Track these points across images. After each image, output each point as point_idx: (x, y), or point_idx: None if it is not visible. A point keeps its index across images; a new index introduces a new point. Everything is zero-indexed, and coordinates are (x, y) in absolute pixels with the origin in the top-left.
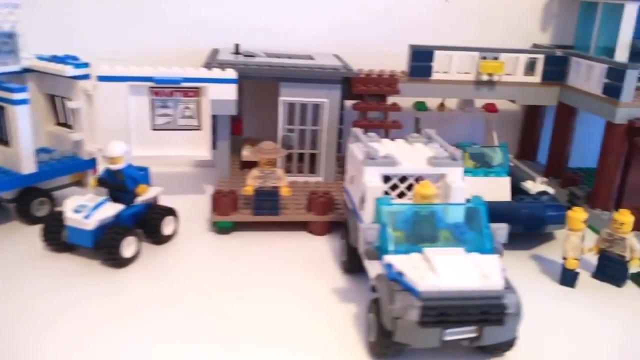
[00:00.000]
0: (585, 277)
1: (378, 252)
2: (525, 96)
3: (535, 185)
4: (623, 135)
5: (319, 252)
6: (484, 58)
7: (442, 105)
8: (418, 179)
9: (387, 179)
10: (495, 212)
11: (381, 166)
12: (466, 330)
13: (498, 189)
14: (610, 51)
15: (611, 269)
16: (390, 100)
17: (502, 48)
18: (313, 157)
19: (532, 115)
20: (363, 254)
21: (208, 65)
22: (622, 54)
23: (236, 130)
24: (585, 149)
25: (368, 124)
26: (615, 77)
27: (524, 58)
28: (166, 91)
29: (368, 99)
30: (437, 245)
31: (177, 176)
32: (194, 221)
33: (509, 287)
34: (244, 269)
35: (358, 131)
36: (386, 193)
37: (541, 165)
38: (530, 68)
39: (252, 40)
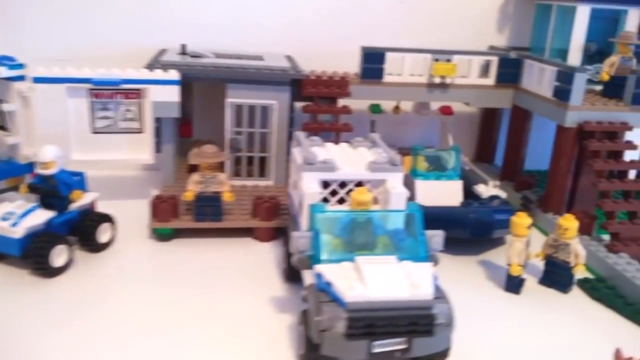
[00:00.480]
0: (532, 283)
1: (310, 261)
2: (479, 99)
3: (487, 189)
4: (573, 139)
5: (262, 259)
6: (437, 60)
7: (397, 108)
8: (359, 184)
9: (326, 184)
10: (442, 217)
11: (319, 171)
12: (395, 342)
13: (450, 192)
14: (564, 53)
15: (557, 275)
16: (342, 102)
17: (455, 50)
18: (263, 160)
19: (489, 117)
20: (294, 263)
21: (150, 66)
22: (575, 57)
23: (185, 133)
24: (543, 152)
25: (318, 126)
26: (565, 80)
27: (477, 60)
28: (106, 93)
29: (318, 101)
30: (376, 252)
31: (121, 181)
32: (134, 228)
33: (440, 297)
34: (183, 277)
35: (301, 135)
36: (325, 199)
37: (498, 168)
38: (484, 70)
39: (204, 41)
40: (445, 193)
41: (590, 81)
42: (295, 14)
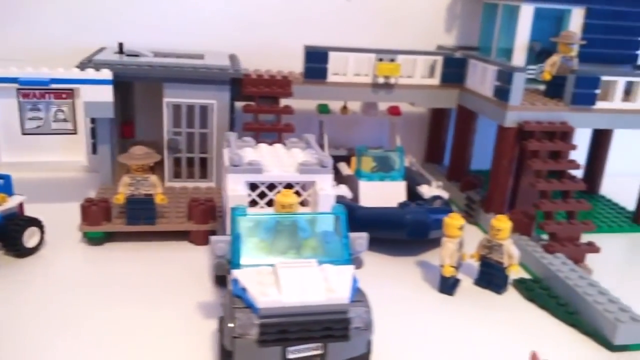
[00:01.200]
0: (468, 284)
1: (229, 266)
2: (424, 99)
3: (430, 190)
4: (513, 139)
5: (195, 263)
6: (381, 60)
7: (345, 108)
8: (289, 186)
9: (255, 186)
10: (379, 218)
11: (245, 173)
12: (310, 348)
13: (394, 193)
14: (510, 53)
15: (491, 276)
16: (286, 102)
17: (399, 50)
18: (204, 161)
19: (437, 118)
20: (213, 268)
21: (81, 66)
22: (519, 56)
23: (127, 133)
24: (489, 152)
25: (259, 127)
26: (505, 79)
27: (421, 60)
28: (37, 93)
29: (260, 101)
30: (299, 256)
31: (58, 183)
32: (66, 232)
33: (359, 300)
34: (111, 282)
35: (231, 135)
36: (254, 202)
37: (446, 168)
38: (432, 70)
39: (149, 40)
40: (389, 194)
41: (535, 81)
42: (242, 13)
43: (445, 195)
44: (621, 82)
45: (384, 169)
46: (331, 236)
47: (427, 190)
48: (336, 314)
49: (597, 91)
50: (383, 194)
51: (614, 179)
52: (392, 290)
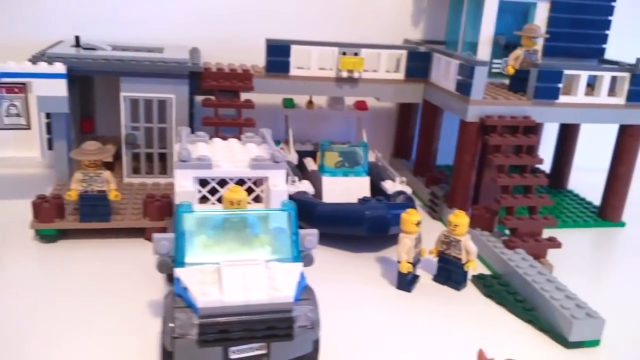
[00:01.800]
0: (428, 280)
1: (173, 264)
2: (389, 94)
3: (394, 185)
4: (476, 134)
5: (149, 261)
6: (344, 54)
7: (310, 103)
8: (241, 182)
9: (206, 182)
10: (339, 214)
11: (194, 169)
12: (253, 347)
13: (357, 189)
14: (476, 46)
15: (450, 272)
16: (250, 96)
17: (363, 43)
18: (163, 156)
19: (405, 112)
20: (156, 267)
21: (34, 59)
22: (484, 50)
23: (86, 129)
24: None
25: (218, 121)
26: (466, 73)
27: (385, 54)
28: None
29: (220, 95)
30: (247, 254)
31: (11, 180)
32: (18, 229)
33: (306, 299)
34: (63, 280)
35: (183, 130)
36: (204, 198)
37: (413, 163)
38: (396, 65)
39: (109, 33)
40: (352, 190)
41: (501, 75)
42: (206, 6)
43: (408, 190)
44: (584, 76)
45: (348, 164)
46: (281, 233)
47: (390, 186)
48: (279, 313)
49: (560, 85)
50: (346, 189)
51: (582, 174)
52: (350, 286)
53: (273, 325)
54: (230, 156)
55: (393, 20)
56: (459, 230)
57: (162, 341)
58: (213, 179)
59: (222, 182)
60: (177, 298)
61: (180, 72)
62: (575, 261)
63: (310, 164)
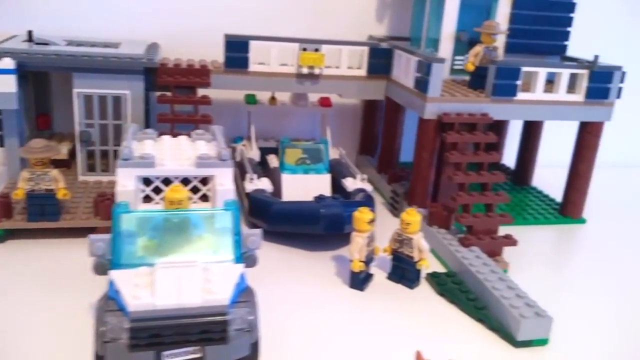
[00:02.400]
0: (381, 279)
1: (109, 266)
2: (351, 90)
3: (354, 182)
4: (434, 131)
5: None
6: (304, 50)
7: (273, 99)
8: (186, 181)
9: (149, 181)
10: (295, 213)
11: (136, 167)
12: (187, 352)
13: (318, 186)
14: (438, 43)
15: (403, 270)
16: (213, 93)
17: (323, 39)
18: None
19: (370, 109)
20: (92, 269)
21: None
22: (446, 46)
23: (42, 125)
24: None
25: (174, 118)
26: (424, 70)
27: (347, 50)
28: None
29: (176, 91)
30: (187, 255)
31: None
32: None
33: (245, 301)
34: (9, 281)
35: (131, 127)
36: (147, 197)
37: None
38: (360, 61)
39: (67, 28)
40: (313, 187)
41: (463, 71)
42: (168, 1)
43: (369, 188)
44: (542, 73)
45: (310, 162)
46: (223, 234)
47: (350, 183)
48: (213, 317)
49: (518, 82)
50: (307, 187)
51: (546, 170)
52: (303, 286)
53: (207, 328)
54: (176, 154)
55: (358, 17)
56: (411, 229)
57: (94, 345)
58: (157, 178)
59: (168, 181)
60: (110, 301)
61: (135, 68)
62: (532, 258)
63: (273, 161)
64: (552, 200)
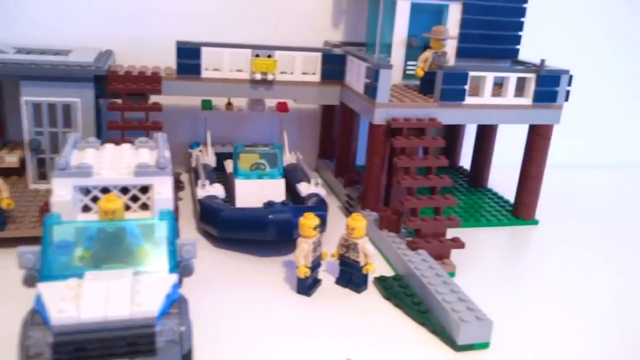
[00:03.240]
0: (330, 284)
1: (38, 278)
2: (306, 96)
3: (308, 187)
4: (384, 136)
5: None
6: (257, 56)
7: (229, 104)
8: (124, 190)
9: (88, 191)
10: (242, 219)
11: (72, 177)
12: None
13: (272, 192)
14: (391, 48)
15: (351, 275)
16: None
17: (276, 45)
18: None
19: (328, 114)
20: (22, 281)
21: None
22: (398, 52)
23: None
24: None
25: (124, 125)
26: (372, 76)
27: (300, 56)
28: None
29: (128, 98)
30: (119, 266)
31: None
32: None
33: (175, 312)
34: None
35: (71, 136)
36: (86, 207)
37: None
38: (314, 67)
39: (18, 36)
40: (267, 193)
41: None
42: (123, 7)
43: (322, 193)
44: (490, 77)
45: (266, 167)
46: (158, 244)
47: (305, 188)
48: (140, 329)
49: (466, 87)
50: (261, 192)
51: (503, 172)
52: (251, 292)
53: (134, 341)
54: (116, 163)
55: (314, 22)
56: (356, 234)
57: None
58: (95, 187)
59: (107, 191)
60: (36, 315)
61: (84, 76)
62: (482, 261)
63: (230, 167)
64: (506, 201)
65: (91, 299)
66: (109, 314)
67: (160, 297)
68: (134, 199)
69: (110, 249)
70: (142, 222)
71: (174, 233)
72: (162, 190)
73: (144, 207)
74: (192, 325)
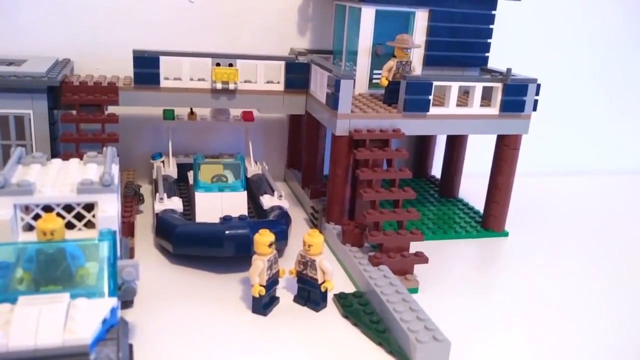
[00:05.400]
0: (288, 302)
1: None
2: (269, 106)
3: (272, 200)
4: (347, 147)
5: None
6: (218, 65)
7: (192, 114)
8: (68, 207)
9: (29, 209)
10: (198, 235)
11: (12, 195)
12: None
13: (234, 205)
14: (356, 56)
15: (308, 292)
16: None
17: (237, 54)
18: None
19: (295, 123)
20: None
21: None
22: (363, 60)
23: None
24: None
25: (78, 137)
26: (334, 86)
27: (262, 65)
28: None
29: (83, 109)
30: (63, 289)
31: None
32: None
33: (112, 338)
34: None
35: (17, 151)
36: (30, 226)
37: None
38: (277, 76)
39: None
40: (228, 206)
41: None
42: (82, 16)
43: (285, 205)
44: (455, 87)
45: (228, 178)
46: (99, 265)
47: (268, 201)
48: (74, 357)
49: (430, 97)
50: (222, 206)
51: (474, 181)
52: (204, 310)
53: None
54: (61, 179)
55: (279, 29)
56: (313, 250)
57: None
58: (37, 206)
59: (51, 209)
60: None
61: (36, 87)
62: (447, 276)
63: (192, 179)
64: (476, 212)
65: (21, 326)
66: (38, 343)
67: (96, 323)
68: (80, 217)
69: (49, 270)
70: (82, 243)
71: (115, 254)
72: (107, 207)
73: (90, 224)
74: (134, 349)
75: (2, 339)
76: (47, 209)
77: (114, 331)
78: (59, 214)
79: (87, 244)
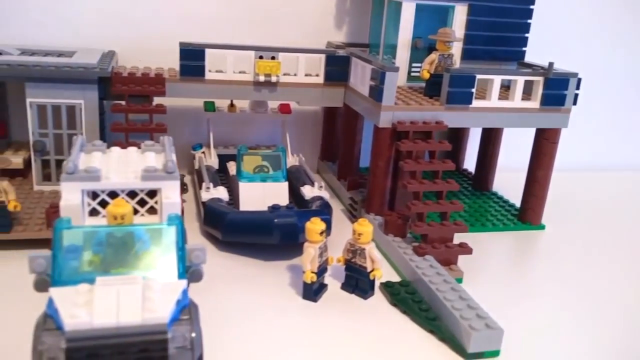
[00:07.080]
0: (336, 289)
1: (49, 283)
2: (309, 98)
3: (312, 190)
4: (389, 139)
5: None
6: (261, 57)
7: (232, 106)
8: (132, 194)
9: (95, 195)
10: (247, 223)
11: (80, 181)
12: None
13: (276, 195)
14: (395, 50)
15: (357, 280)
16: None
17: (280, 47)
18: None
19: (330, 116)
20: (33, 286)
21: None
22: (403, 53)
23: None
24: None
25: (128, 127)
26: (378, 78)
27: (303, 58)
28: None
29: (131, 100)
30: (134, 271)
31: None
32: None
33: (186, 318)
34: None
35: (78, 139)
36: (94, 211)
37: None
38: (317, 68)
39: (24, 37)
40: (271, 196)
41: (421, 78)
42: (126, 8)
43: (326, 196)
44: (497, 80)
45: (269, 169)
46: (167, 249)
47: (308, 191)
48: (153, 335)
49: (473, 90)
50: (264, 195)
51: (509, 175)
52: (256, 297)
53: (146, 347)
54: (124, 166)
55: (317, 23)
56: (363, 239)
57: None
58: (103, 191)
59: (115, 195)
60: (49, 319)
61: (88, 77)
62: (489, 267)
63: (233, 169)
64: (511, 205)
65: (103, 305)
66: (121, 320)
67: (171, 303)
68: (141, 202)
69: (119, 253)
70: (150, 227)
71: (183, 238)
72: (170, 194)
73: (151, 211)
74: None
75: (87, 316)
76: (112, 195)
77: (187, 312)
78: None
79: (154, 228)
